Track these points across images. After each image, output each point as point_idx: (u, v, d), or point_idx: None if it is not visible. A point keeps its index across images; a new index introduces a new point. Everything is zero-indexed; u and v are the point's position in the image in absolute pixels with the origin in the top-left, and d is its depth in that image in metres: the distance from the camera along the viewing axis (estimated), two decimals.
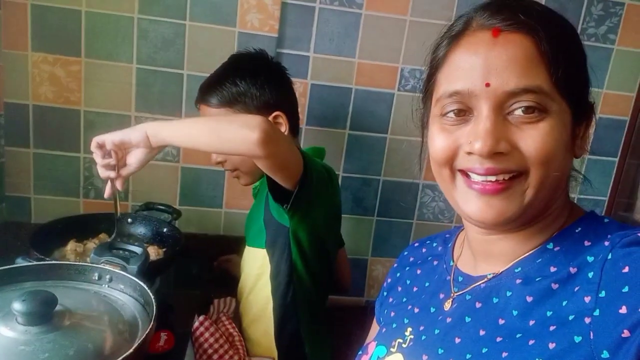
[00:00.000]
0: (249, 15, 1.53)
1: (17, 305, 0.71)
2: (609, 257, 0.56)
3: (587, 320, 0.54)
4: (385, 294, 0.88)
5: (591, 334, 0.53)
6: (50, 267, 0.92)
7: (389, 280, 0.89)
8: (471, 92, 0.60)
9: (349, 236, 1.56)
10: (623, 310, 0.51)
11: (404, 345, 0.72)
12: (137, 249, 1.02)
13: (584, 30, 1.70)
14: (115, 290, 0.91)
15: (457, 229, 0.83)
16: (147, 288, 0.86)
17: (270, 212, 1.18)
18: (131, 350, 0.70)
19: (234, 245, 1.63)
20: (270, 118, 1.23)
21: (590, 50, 1.69)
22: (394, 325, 0.77)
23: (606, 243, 0.58)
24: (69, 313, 0.77)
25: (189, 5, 1.50)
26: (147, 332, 0.75)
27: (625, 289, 0.52)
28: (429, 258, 0.83)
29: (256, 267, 1.25)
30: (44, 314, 0.73)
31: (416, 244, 0.89)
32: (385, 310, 0.84)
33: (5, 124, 1.53)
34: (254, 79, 1.23)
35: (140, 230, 1.36)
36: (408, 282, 0.83)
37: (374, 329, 0.90)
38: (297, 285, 1.19)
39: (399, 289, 0.84)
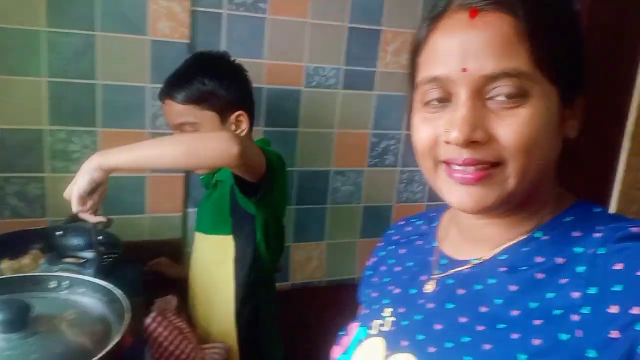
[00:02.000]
0: (159, 23, 1.57)
1: None
2: (600, 252, 0.54)
3: (575, 317, 0.52)
4: (368, 273, 0.85)
5: (578, 332, 0.51)
6: (6, 281, 0.94)
7: (375, 259, 0.86)
8: (449, 77, 0.57)
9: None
10: (614, 310, 0.49)
11: (383, 329, 0.69)
12: (89, 255, 1.06)
13: None
14: (76, 295, 0.95)
15: (443, 207, 0.78)
16: (111, 286, 0.92)
17: (238, 202, 1.27)
18: (118, 339, 0.77)
19: (163, 248, 1.68)
20: (234, 117, 1.34)
21: None
22: (375, 307, 0.74)
23: (597, 235, 0.56)
24: (43, 318, 0.81)
25: (98, 16, 1.51)
26: (128, 321, 0.81)
27: (617, 288, 0.50)
28: (413, 237, 0.80)
29: (216, 253, 1.34)
30: (22, 320, 0.77)
31: (402, 222, 0.86)
32: (368, 291, 0.81)
33: None
34: (220, 79, 1.32)
35: (74, 241, 1.37)
36: (391, 261, 0.80)
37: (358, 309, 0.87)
38: (259, 266, 1.30)
39: (383, 268, 0.81)
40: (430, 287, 0.68)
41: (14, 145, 1.54)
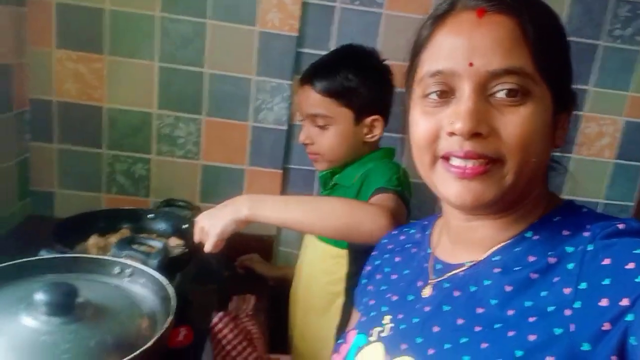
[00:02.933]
0: (269, 14, 1.54)
1: (40, 296, 0.72)
2: (589, 248, 0.56)
3: (567, 312, 0.54)
4: (364, 281, 0.88)
5: (571, 326, 0.53)
6: (73, 260, 0.93)
7: (369, 268, 0.88)
8: (454, 71, 0.59)
9: None
10: (604, 302, 0.51)
11: (383, 334, 0.71)
12: (158, 244, 1.03)
13: (610, 32, 1.67)
14: (136, 284, 0.92)
15: (435, 216, 0.82)
16: (166, 283, 0.87)
17: None
18: (150, 344, 0.71)
19: (252, 243, 1.64)
20: (369, 120, 1.26)
21: (616, 52, 1.68)
22: (373, 314, 0.77)
23: (585, 234, 0.58)
24: (89, 305, 0.78)
25: (210, 4, 1.52)
26: (166, 326, 0.75)
27: (606, 282, 0.52)
28: (407, 245, 0.83)
29: (328, 264, 1.26)
30: (66, 305, 0.74)
31: (395, 232, 0.89)
32: (364, 299, 0.84)
33: (31, 120, 1.56)
34: (365, 78, 1.24)
35: (161, 226, 1.37)
36: (387, 269, 0.83)
37: (354, 317, 0.89)
38: None
39: (378, 276, 0.84)
40: (426, 292, 0.70)
41: (124, 125, 1.60)
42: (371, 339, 0.72)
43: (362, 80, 1.24)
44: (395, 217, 0.97)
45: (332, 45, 1.60)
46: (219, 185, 1.67)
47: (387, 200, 1.06)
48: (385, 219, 0.95)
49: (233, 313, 1.31)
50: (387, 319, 0.73)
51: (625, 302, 0.49)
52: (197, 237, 1.09)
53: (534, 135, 0.59)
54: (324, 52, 1.59)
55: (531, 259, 0.61)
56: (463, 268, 0.68)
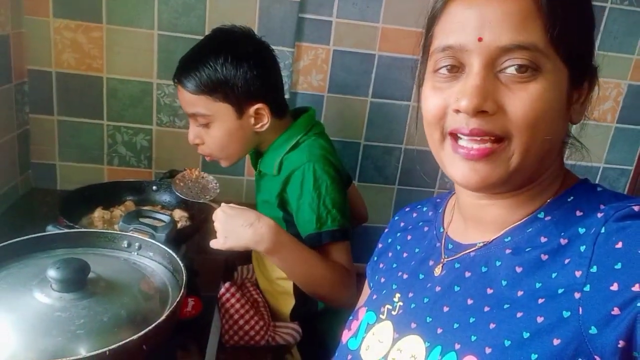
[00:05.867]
0: None
1: (52, 273, 0.72)
2: (602, 230, 0.55)
3: (577, 295, 0.53)
4: (375, 259, 0.88)
5: (580, 309, 0.52)
6: (81, 234, 0.94)
7: (380, 245, 0.88)
8: (463, 46, 0.58)
9: (370, 204, 1.56)
10: (614, 287, 0.50)
11: (393, 313, 0.72)
12: (165, 217, 1.03)
13: None
14: (145, 258, 0.93)
15: (448, 193, 0.82)
16: (176, 256, 0.88)
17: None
18: (163, 317, 0.72)
19: None
20: (252, 110, 1.15)
21: (624, 14, 1.65)
22: (384, 292, 0.77)
23: (599, 215, 0.57)
24: (101, 280, 0.79)
25: None
26: (178, 299, 0.76)
27: (618, 266, 0.51)
28: (420, 224, 0.82)
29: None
30: (78, 280, 0.75)
31: (407, 209, 0.88)
32: (376, 276, 0.84)
33: (30, 91, 1.54)
34: (237, 66, 1.12)
35: (165, 197, 1.38)
36: (398, 247, 0.82)
37: (365, 293, 0.90)
38: None
39: (390, 254, 0.84)
40: (437, 271, 0.70)
41: (125, 96, 1.58)
42: (381, 316, 0.73)
43: (233, 70, 1.11)
44: (353, 269, 1.13)
45: (335, 10, 1.57)
46: None
47: (343, 255, 1.16)
48: (353, 288, 1.04)
49: (239, 282, 1.33)
50: (397, 297, 0.73)
51: (637, 287, 0.49)
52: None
53: (544, 113, 0.57)
54: (326, 18, 1.57)
55: (543, 239, 0.60)
56: (474, 248, 0.67)
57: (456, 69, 0.60)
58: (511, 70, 0.56)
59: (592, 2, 0.61)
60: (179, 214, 1.31)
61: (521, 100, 0.56)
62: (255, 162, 1.31)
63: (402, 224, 0.86)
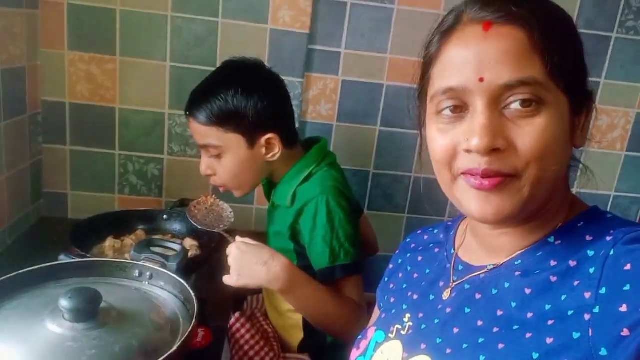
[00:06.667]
0: (280, 11, 1.53)
1: (64, 302, 0.72)
2: (611, 253, 0.55)
3: (587, 316, 0.53)
4: (386, 279, 0.88)
5: (590, 330, 0.52)
6: (93, 264, 0.94)
7: (391, 266, 0.89)
8: (465, 87, 0.58)
9: (379, 233, 1.55)
10: (623, 308, 0.50)
11: (402, 332, 0.72)
12: (176, 246, 1.04)
13: (622, 23, 1.65)
14: (156, 287, 0.92)
15: (460, 217, 0.82)
16: (187, 286, 0.88)
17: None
18: (175, 348, 0.71)
19: (264, 241, 1.64)
20: (263, 140, 1.16)
21: (629, 44, 1.67)
22: (393, 311, 0.77)
23: (608, 238, 0.57)
24: (113, 310, 0.79)
25: (222, 3, 1.51)
26: (189, 330, 0.76)
27: (627, 287, 0.51)
28: (431, 245, 0.83)
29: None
30: (90, 310, 0.75)
31: (419, 231, 0.89)
32: (386, 296, 0.85)
33: (43, 122, 1.56)
34: (247, 97, 1.13)
35: (175, 226, 1.38)
36: (409, 268, 0.83)
37: (375, 314, 0.90)
38: None
39: (400, 275, 0.84)
40: (447, 293, 0.71)
41: (137, 126, 1.60)
42: (390, 335, 0.73)
43: (244, 101, 1.13)
44: (364, 304, 1.12)
45: (344, 42, 1.59)
46: None
47: (355, 290, 1.15)
48: (364, 322, 0.99)
49: (248, 312, 1.32)
50: (407, 317, 0.73)
51: None
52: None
53: (552, 144, 0.58)
54: (335, 49, 1.60)
55: (553, 263, 0.61)
56: (484, 270, 0.68)
57: (459, 109, 0.60)
58: (516, 106, 0.57)
59: (575, 26, 0.63)
60: (189, 242, 1.31)
61: (529, 135, 0.57)
62: (269, 193, 1.31)
63: (412, 245, 0.86)
